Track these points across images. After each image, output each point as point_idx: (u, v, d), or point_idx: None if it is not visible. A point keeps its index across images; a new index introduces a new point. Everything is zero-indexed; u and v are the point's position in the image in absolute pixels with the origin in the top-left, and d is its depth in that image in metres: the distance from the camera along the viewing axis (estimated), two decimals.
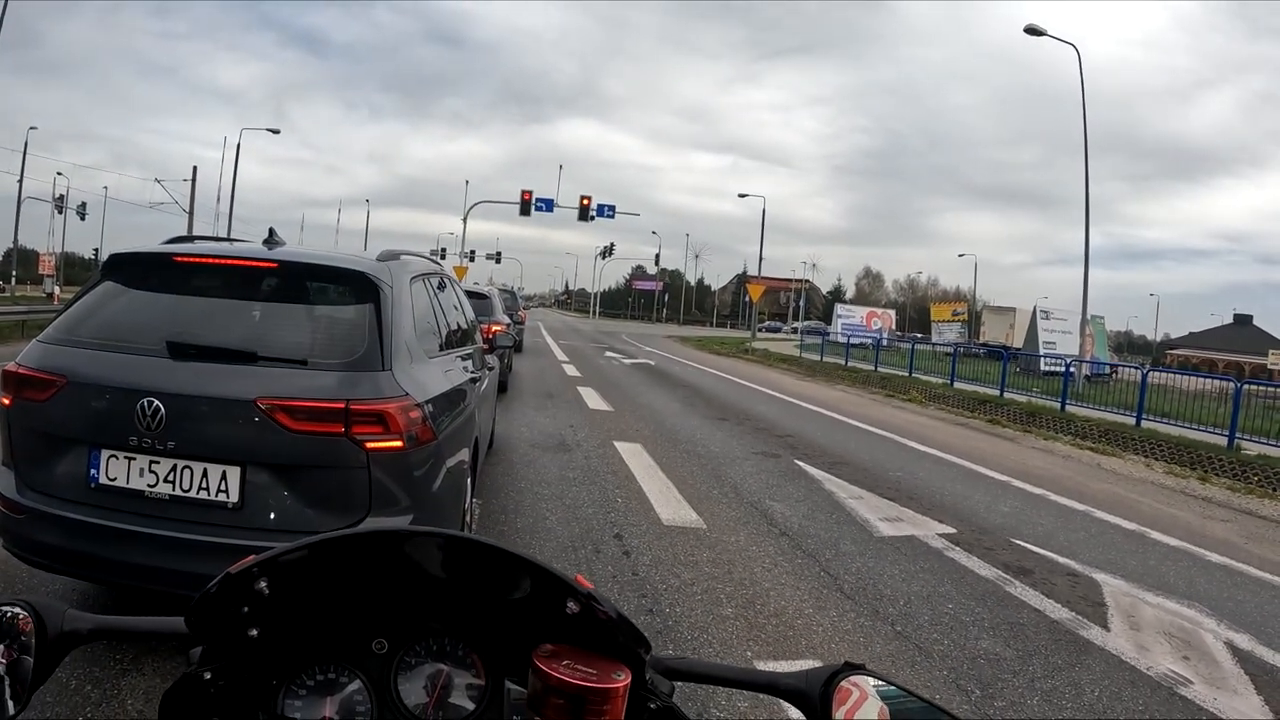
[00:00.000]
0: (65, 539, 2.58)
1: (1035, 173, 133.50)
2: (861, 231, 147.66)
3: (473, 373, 4.12)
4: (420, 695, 0.77)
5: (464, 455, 3.46)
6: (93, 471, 2.58)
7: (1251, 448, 10.21)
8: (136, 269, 3.01)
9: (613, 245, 58.95)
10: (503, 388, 9.42)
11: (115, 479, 2.56)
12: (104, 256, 3.57)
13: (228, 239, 4.43)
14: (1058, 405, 13.77)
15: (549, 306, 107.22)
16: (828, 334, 35.26)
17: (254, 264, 2.95)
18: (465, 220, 38.42)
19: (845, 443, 9.16)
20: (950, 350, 22.14)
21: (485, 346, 5.28)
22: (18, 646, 0.68)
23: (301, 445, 2.55)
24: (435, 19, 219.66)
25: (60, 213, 45.09)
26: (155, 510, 2.54)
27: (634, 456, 7.12)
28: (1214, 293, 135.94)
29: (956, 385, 16.78)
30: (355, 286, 2.91)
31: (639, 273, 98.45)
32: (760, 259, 42.02)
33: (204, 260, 3.01)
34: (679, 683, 0.76)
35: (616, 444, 7.68)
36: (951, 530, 5.38)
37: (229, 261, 3.00)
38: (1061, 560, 4.90)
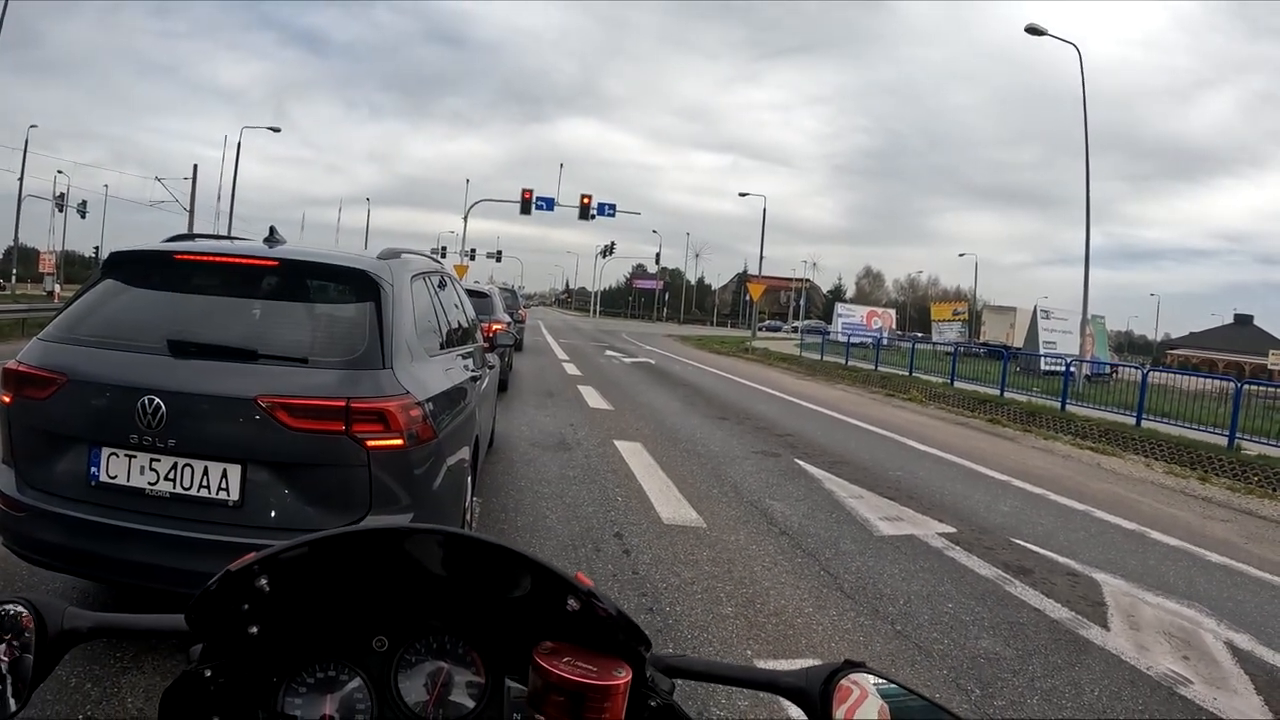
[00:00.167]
0: (66, 537, 2.58)
1: (1035, 173, 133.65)
2: (862, 231, 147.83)
3: (473, 371, 4.12)
4: (420, 693, 0.77)
5: (464, 454, 3.46)
6: (93, 469, 2.58)
7: (1252, 448, 10.21)
8: (137, 267, 3.01)
9: (613, 244, 58.99)
10: (503, 386, 9.42)
11: (116, 477, 2.56)
12: (104, 255, 3.57)
13: (228, 237, 4.43)
14: (1058, 405, 13.77)
15: (549, 305, 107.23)
16: (828, 333, 35.23)
17: (255, 262, 2.95)
18: (466, 219, 38.44)
19: (845, 442, 9.16)
20: (950, 350, 22.13)
21: (486, 345, 5.28)
22: (18, 644, 0.68)
23: (302, 443, 2.55)
24: (435, 19, 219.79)
25: (61, 211, 45.14)
26: (156, 508, 2.54)
27: (634, 455, 7.13)
28: (1214, 293, 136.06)
29: (957, 385, 16.78)
30: (356, 285, 2.91)
31: (639, 272, 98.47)
32: (761, 258, 41.98)
33: (205, 258, 3.01)
34: (679, 681, 0.76)
35: (617, 443, 7.68)
36: (951, 530, 5.38)
37: (230, 260, 3.00)
38: (1061, 560, 4.90)
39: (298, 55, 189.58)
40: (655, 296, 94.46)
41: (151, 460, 2.54)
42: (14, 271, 38.48)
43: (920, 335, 44.83)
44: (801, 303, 70.38)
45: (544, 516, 4.96)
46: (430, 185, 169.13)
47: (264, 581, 0.70)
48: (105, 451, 2.57)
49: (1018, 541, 5.25)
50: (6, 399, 2.75)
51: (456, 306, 4.44)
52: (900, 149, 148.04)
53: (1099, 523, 6.17)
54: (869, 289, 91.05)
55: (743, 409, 11.52)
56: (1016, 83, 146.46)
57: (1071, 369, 15.19)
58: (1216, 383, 13.33)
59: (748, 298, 42.36)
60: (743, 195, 43.56)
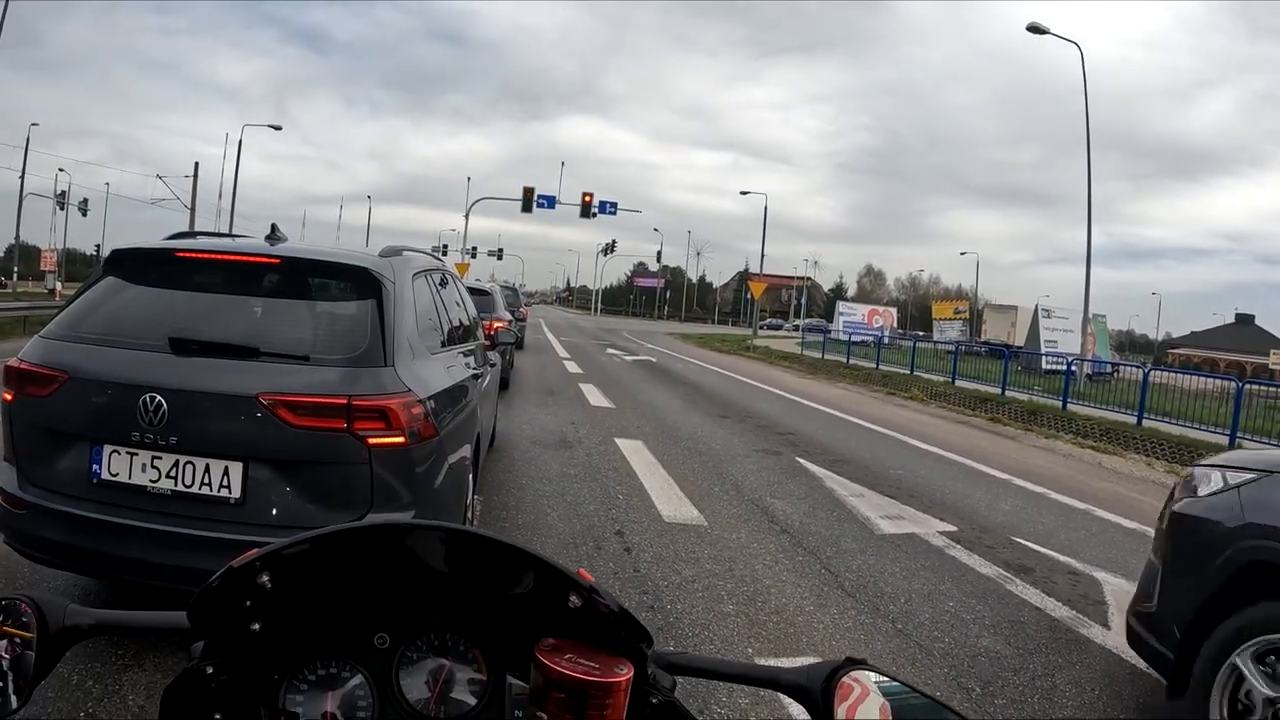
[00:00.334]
0: (67, 534, 2.59)
1: (1036, 172, 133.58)
2: (863, 229, 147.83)
3: (475, 369, 4.12)
4: (422, 690, 0.77)
5: (466, 451, 3.46)
6: (95, 467, 2.58)
7: (1253, 448, 10.20)
8: (138, 265, 3.01)
9: (614, 242, 59.09)
10: (504, 384, 9.42)
11: (117, 474, 2.56)
12: (105, 253, 3.56)
13: (230, 235, 4.43)
14: (1059, 404, 13.77)
15: (550, 303, 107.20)
16: (829, 332, 35.25)
17: (256, 260, 2.95)
18: (467, 217, 38.39)
19: (846, 440, 9.16)
20: (952, 348, 22.13)
21: (487, 343, 5.28)
22: (19, 641, 0.68)
23: (303, 441, 2.55)
24: (436, 17, 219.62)
25: (62, 209, 45.14)
26: (157, 506, 2.54)
27: (635, 453, 7.13)
28: (1216, 292, 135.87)
29: (958, 383, 16.78)
30: (357, 282, 2.91)
31: (640, 270, 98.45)
32: (762, 256, 42.05)
33: (206, 256, 3.01)
34: (681, 678, 0.76)
35: (618, 441, 7.68)
36: (952, 528, 5.38)
37: (231, 257, 3.00)
38: (1062, 559, 4.90)
39: (299, 53, 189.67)
40: (656, 295, 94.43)
41: (153, 458, 2.54)
42: (15, 269, 38.49)
43: (921, 334, 44.85)
44: (803, 301, 70.38)
45: (545, 514, 4.96)
46: (431, 183, 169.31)
47: (266, 578, 0.70)
48: (107, 449, 2.57)
49: (1019, 540, 5.25)
50: (8, 397, 2.75)
51: (458, 304, 4.44)
52: (901, 148, 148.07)
53: (1100, 522, 6.17)
54: (870, 287, 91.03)
55: (744, 407, 11.52)
56: (1017, 83, 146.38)
57: (1073, 368, 15.19)
58: (1218, 382, 13.32)
59: (749, 296, 42.34)
60: (744, 194, 43.88)
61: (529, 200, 32.89)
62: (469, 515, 3.62)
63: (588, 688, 0.66)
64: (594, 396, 11.17)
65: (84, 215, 46.96)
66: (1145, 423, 11.94)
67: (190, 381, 2.55)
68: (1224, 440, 10.33)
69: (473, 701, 0.77)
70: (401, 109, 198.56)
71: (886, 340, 27.60)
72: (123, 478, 2.56)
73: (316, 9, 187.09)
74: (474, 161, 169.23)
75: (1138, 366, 17.29)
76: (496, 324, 7.94)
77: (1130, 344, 77.27)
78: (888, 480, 6.88)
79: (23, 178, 38.47)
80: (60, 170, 48.84)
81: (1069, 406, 13.56)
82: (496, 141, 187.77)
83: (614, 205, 34.68)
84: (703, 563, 4.28)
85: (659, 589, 3.83)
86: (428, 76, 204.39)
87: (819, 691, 0.70)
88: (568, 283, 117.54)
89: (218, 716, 0.74)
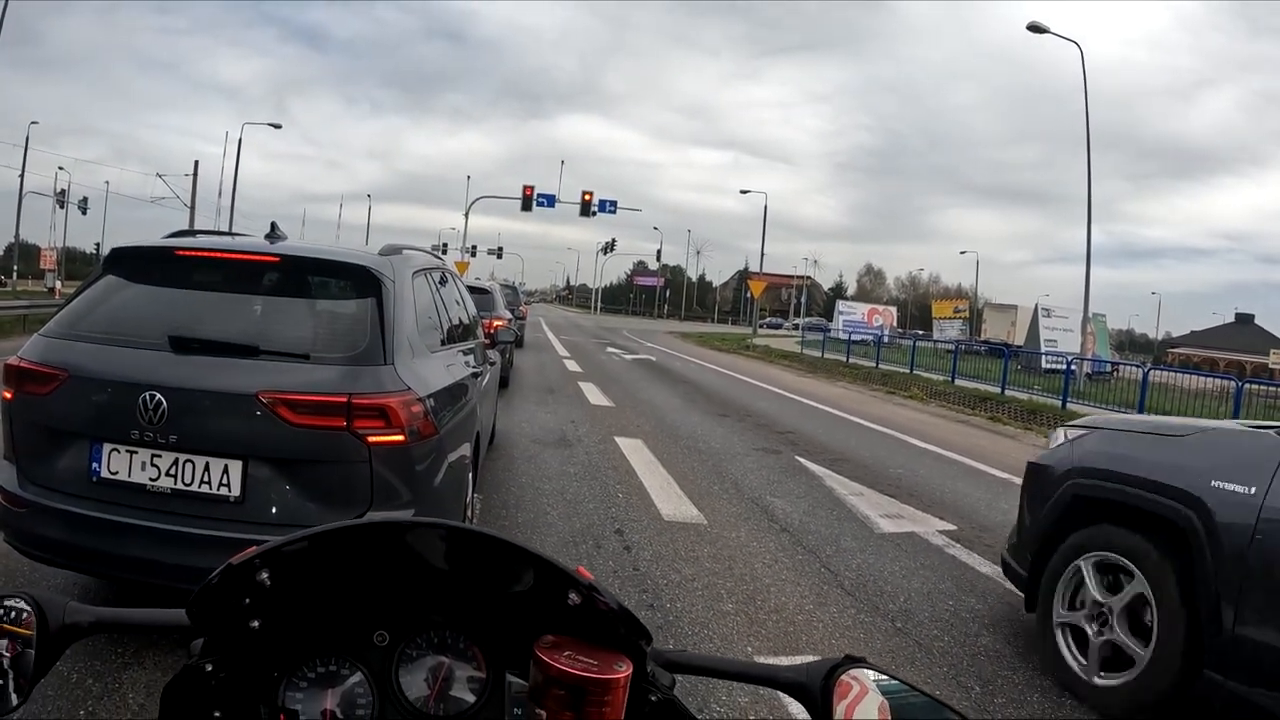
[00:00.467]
0: (67, 533, 2.59)
1: (1036, 172, 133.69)
2: (863, 228, 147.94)
3: (474, 368, 4.12)
4: (421, 688, 0.78)
5: (465, 450, 3.46)
6: (94, 465, 2.58)
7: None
8: (138, 263, 3.01)
9: (614, 241, 59.08)
10: (504, 383, 9.42)
11: (117, 473, 2.56)
12: (105, 251, 3.57)
13: (229, 234, 4.43)
14: (1059, 403, 13.76)
15: (550, 302, 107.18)
16: (829, 330, 35.25)
17: (256, 258, 2.95)
18: (467, 215, 38.36)
19: (846, 439, 9.16)
20: (951, 347, 22.13)
21: (487, 341, 5.28)
22: (19, 640, 0.68)
23: (303, 439, 2.55)
24: (436, 16, 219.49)
25: (61, 207, 45.05)
26: (157, 504, 2.54)
27: (635, 452, 7.13)
28: (1216, 291, 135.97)
29: (958, 382, 16.77)
30: (357, 281, 2.91)
31: (640, 268, 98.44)
32: (762, 255, 42.03)
33: (206, 254, 3.01)
34: (680, 676, 0.76)
35: (617, 439, 7.68)
36: (952, 527, 5.38)
37: (231, 256, 3.00)
38: None
39: (299, 51, 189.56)
40: (656, 293, 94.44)
41: (153, 456, 2.54)
42: (15, 268, 38.47)
43: (921, 333, 44.87)
44: (802, 300, 70.34)
45: (545, 513, 4.96)
46: (431, 182, 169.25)
47: (265, 575, 0.70)
48: (107, 447, 2.57)
49: None
50: (8, 395, 2.75)
51: (458, 303, 4.44)
52: (901, 147, 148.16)
53: None
54: (870, 286, 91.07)
55: (743, 406, 11.52)
56: (1017, 82, 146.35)
57: (1073, 367, 15.19)
58: (1218, 381, 13.33)
59: (749, 295, 42.36)
60: (744, 192, 44.05)
61: (529, 199, 32.87)
62: (468, 513, 3.62)
63: (587, 685, 0.66)
64: (593, 395, 11.17)
65: (84, 214, 46.93)
66: None
67: (190, 380, 2.55)
68: None
69: (472, 699, 0.77)
70: (401, 107, 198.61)
71: (886, 339, 27.60)
72: (122, 476, 2.56)
73: (317, 8, 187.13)
74: (474, 160, 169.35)
75: (1138, 366, 17.30)
76: (496, 322, 7.96)
77: (1130, 343, 77.27)
78: (887, 479, 6.88)
79: (22, 176, 38.44)
80: (60, 169, 48.78)
81: (1069, 406, 13.54)
82: (496, 140, 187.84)
83: (614, 204, 34.69)
84: (702, 561, 4.28)
85: (658, 587, 3.83)
86: (428, 75, 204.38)
87: (818, 689, 0.70)
88: (567, 281, 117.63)
89: (217, 714, 0.74)
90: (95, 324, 2.79)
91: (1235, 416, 10.51)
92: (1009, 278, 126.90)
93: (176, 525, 2.52)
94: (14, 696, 0.67)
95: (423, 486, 2.79)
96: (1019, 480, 6.97)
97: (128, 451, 2.55)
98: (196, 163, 35.69)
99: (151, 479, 2.54)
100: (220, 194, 38.53)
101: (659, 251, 64.82)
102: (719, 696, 2.74)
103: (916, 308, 77.84)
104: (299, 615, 0.76)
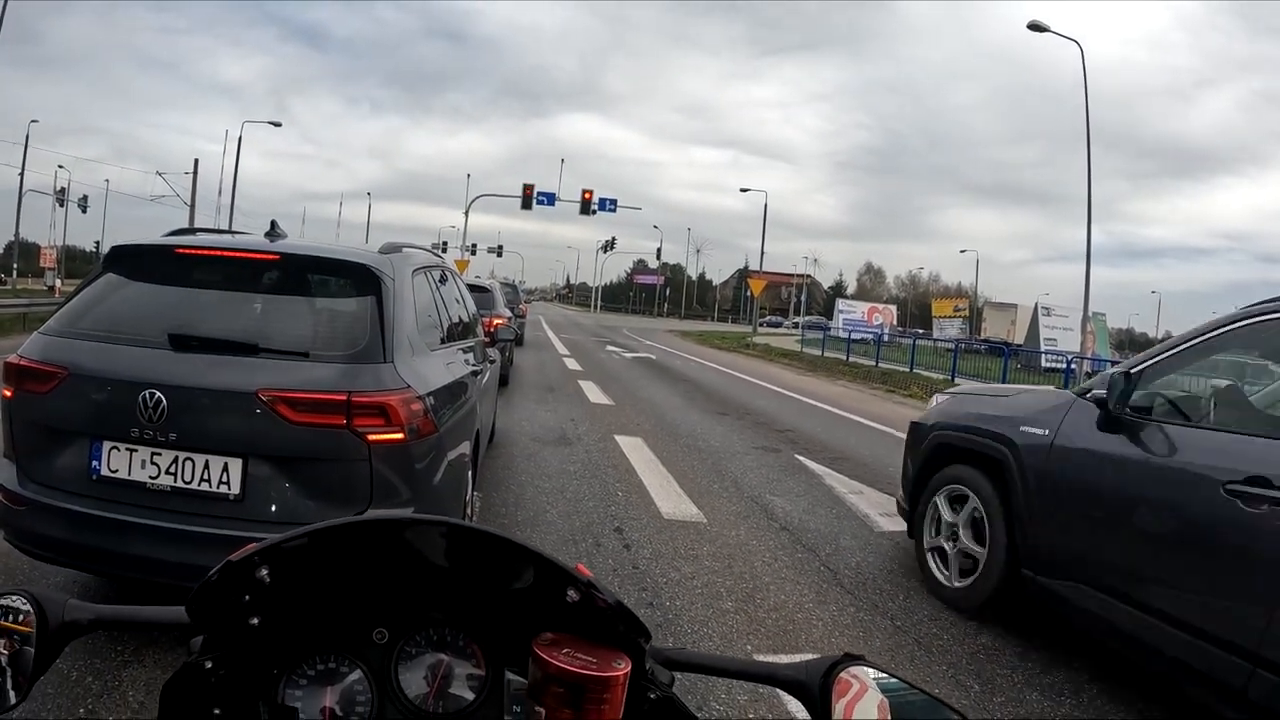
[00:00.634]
0: (67, 531, 2.59)
1: (1036, 171, 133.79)
2: (863, 227, 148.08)
3: (474, 366, 4.12)
4: (421, 685, 0.78)
5: (465, 448, 3.46)
6: (94, 463, 2.58)
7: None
8: (138, 261, 3.00)
9: (614, 239, 59.00)
10: (504, 381, 9.41)
11: (117, 471, 2.56)
12: (105, 249, 3.56)
13: (229, 232, 4.43)
14: None
15: (550, 300, 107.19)
16: (829, 329, 35.25)
17: (256, 256, 2.95)
18: (467, 214, 38.37)
19: (846, 438, 9.16)
20: (951, 346, 22.13)
21: (487, 340, 5.28)
22: (19, 637, 0.68)
23: (303, 437, 2.55)
24: (436, 15, 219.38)
25: (61, 206, 45.05)
26: (157, 502, 2.54)
27: (634, 450, 7.13)
28: (1216, 291, 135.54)
29: (958, 381, 16.77)
30: (357, 279, 2.91)
31: (640, 267, 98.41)
32: (762, 254, 42.07)
33: (206, 252, 3.01)
34: (679, 674, 0.76)
35: (617, 438, 7.68)
36: None
37: (231, 254, 3.00)
38: None
39: (299, 51, 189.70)
40: (656, 292, 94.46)
41: (153, 454, 2.54)
42: (15, 266, 38.46)
43: (921, 332, 44.88)
44: (802, 299, 70.35)
45: (544, 511, 4.96)
46: (431, 180, 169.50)
47: (265, 572, 0.70)
48: (106, 445, 2.57)
49: None
50: (8, 393, 2.75)
51: (457, 301, 4.44)
52: (901, 146, 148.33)
53: None
54: (870, 285, 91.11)
55: (743, 404, 11.52)
56: (1017, 82, 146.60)
57: (1073, 366, 15.18)
58: None
59: (749, 293, 42.34)
60: (744, 191, 44.23)
61: (529, 197, 32.86)
62: (468, 512, 3.62)
63: (585, 682, 0.66)
64: (593, 393, 11.17)
65: (84, 212, 46.98)
66: None
67: (190, 378, 2.55)
68: None
69: (471, 696, 0.77)
70: (402, 106, 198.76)
71: (886, 338, 27.59)
72: (122, 474, 2.56)
73: (317, 7, 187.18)
74: (474, 159, 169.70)
75: None
76: (496, 321, 7.96)
77: (1130, 342, 77.03)
78: (887, 478, 6.87)
79: (22, 175, 38.43)
80: (60, 167, 49.01)
81: None
82: (496, 139, 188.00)
83: (614, 202, 34.68)
84: (702, 559, 4.28)
85: (658, 586, 3.83)
86: (428, 74, 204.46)
87: (817, 687, 0.70)
88: (567, 280, 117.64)
89: (217, 711, 0.74)
90: (95, 322, 2.79)
91: None
92: (1009, 277, 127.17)
93: (176, 523, 2.52)
94: (12, 695, 0.67)
95: (422, 484, 2.79)
96: None
97: (127, 449, 2.55)
98: (196, 161, 35.73)
99: (151, 477, 2.55)
100: (220, 192, 38.61)
101: (659, 250, 64.85)
102: (718, 695, 2.74)
103: (916, 306, 77.86)
104: (298, 612, 0.76)
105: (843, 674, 0.69)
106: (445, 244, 47.94)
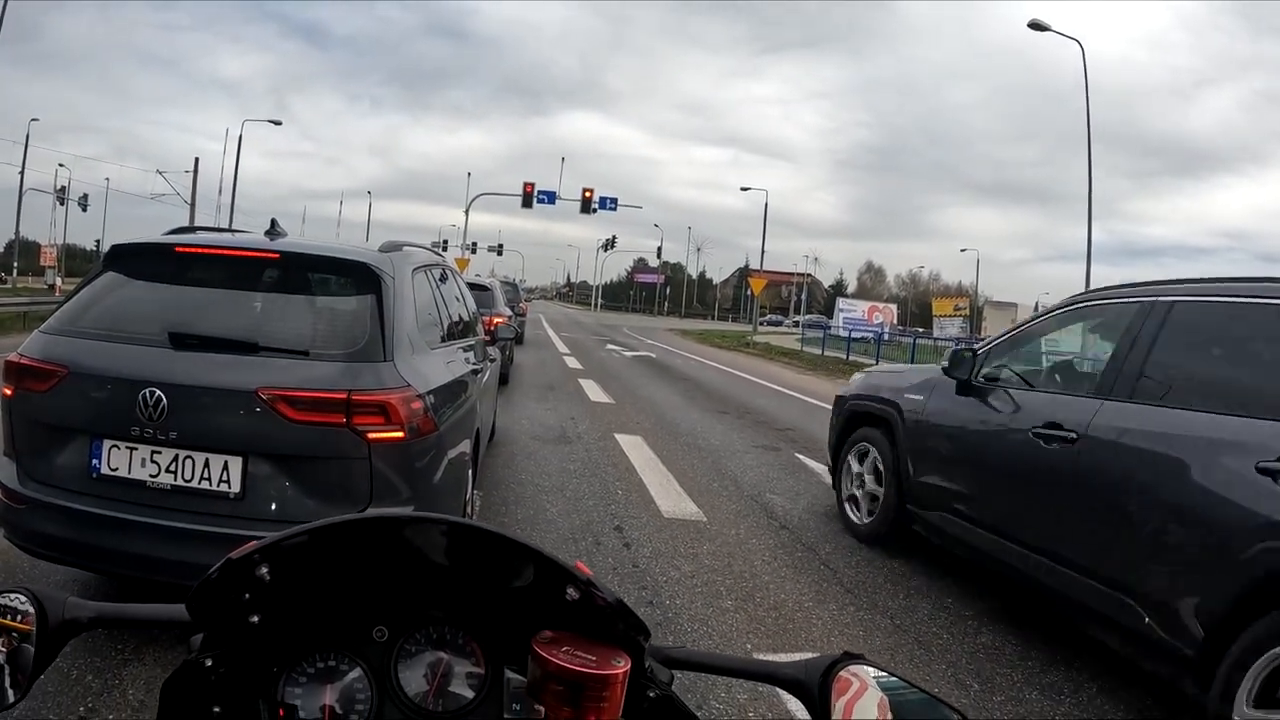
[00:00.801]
0: (67, 529, 2.59)
1: (1036, 170, 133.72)
2: (863, 226, 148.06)
3: (474, 364, 4.12)
4: (420, 683, 0.78)
5: (465, 447, 3.46)
6: (94, 462, 2.58)
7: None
8: (138, 260, 3.00)
9: (614, 238, 58.96)
10: (504, 380, 9.41)
11: (117, 469, 2.56)
12: (105, 248, 3.56)
13: (229, 230, 4.43)
14: None
15: (550, 299, 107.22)
16: (829, 328, 35.25)
17: (256, 254, 2.95)
18: (467, 212, 38.33)
19: None
20: (952, 345, 22.13)
21: (487, 338, 5.28)
22: (18, 635, 0.68)
23: (303, 435, 2.55)
24: (437, 13, 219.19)
25: (62, 204, 45.08)
26: (157, 500, 2.54)
27: (634, 449, 7.13)
28: None
29: None
30: (357, 277, 2.91)
31: (640, 266, 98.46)
32: (762, 253, 42.14)
33: (206, 251, 3.01)
34: (679, 672, 0.76)
35: (617, 436, 7.68)
36: None
37: (231, 252, 3.00)
38: None
39: (299, 48, 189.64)
40: (656, 291, 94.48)
41: (153, 452, 2.54)
42: (15, 265, 38.45)
43: (921, 330, 44.87)
44: (803, 297, 70.35)
45: (544, 509, 4.97)
46: (431, 179, 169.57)
47: (265, 570, 0.70)
48: (107, 444, 2.57)
49: None
50: (8, 392, 2.75)
51: (458, 300, 4.44)
52: (901, 145, 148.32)
53: None
54: (870, 284, 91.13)
55: (743, 403, 11.52)
56: (1017, 81, 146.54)
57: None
58: None
59: (749, 292, 42.33)
60: (744, 190, 44.05)
61: (529, 196, 32.84)
62: (468, 510, 3.62)
63: (585, 680, 0.66)
64: (593, 392, 11.17)
65: (84, 210, 46.99)
66: None
67: (190, 376, 2.55)
68: None
69: (471, 694, 0.77)
70: (402, 105, 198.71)
71: (886, 337, 27.58)
72: (122, 472, 2.56)
73: (317, 5, 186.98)
74: (474, 157, 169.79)
75: None
76: (496, 319, 7.94)
77: None
78: None
79: (22, 173, 38.42)
80: (60, 165, 48.89)
81: None
82: (497, 137, 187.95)
83: (614, 201, 34.69)
84: (701, 558, 4.28)
85: (658, 584, 3.84)
86: (428, 72, 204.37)
87: (817, 686, 0.70)
88: (568, 278, 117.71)
89: (217, 709, 0.74)
90: (95, 320, 2.79)
91: None
92: (1009, 276, 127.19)
93: (176, 521, 2.52)
94: (12, 693, 0.67)
95: (422, 483, 2.79)
96: None
97: (128, 448, 2.55)
98: (197, 159, 35.76)
99: (151, 475, 2.55)
100: (220, 191, 38.56)
101: (659, 249, 64.99)
102: (718, 693, 2.74)
103: (917, 305, 77.85)
104: (298, 610, 0.76)
105: (842, 672, 0.69)
106: (446, 242, 47.88)
